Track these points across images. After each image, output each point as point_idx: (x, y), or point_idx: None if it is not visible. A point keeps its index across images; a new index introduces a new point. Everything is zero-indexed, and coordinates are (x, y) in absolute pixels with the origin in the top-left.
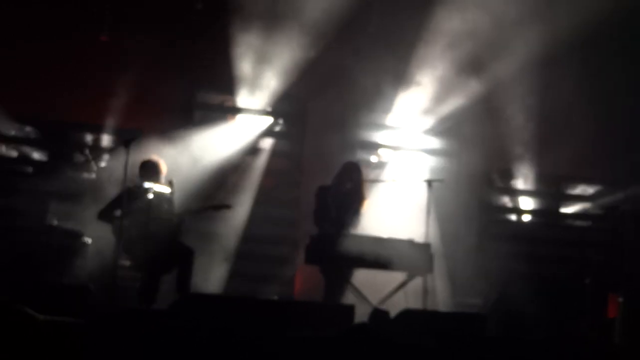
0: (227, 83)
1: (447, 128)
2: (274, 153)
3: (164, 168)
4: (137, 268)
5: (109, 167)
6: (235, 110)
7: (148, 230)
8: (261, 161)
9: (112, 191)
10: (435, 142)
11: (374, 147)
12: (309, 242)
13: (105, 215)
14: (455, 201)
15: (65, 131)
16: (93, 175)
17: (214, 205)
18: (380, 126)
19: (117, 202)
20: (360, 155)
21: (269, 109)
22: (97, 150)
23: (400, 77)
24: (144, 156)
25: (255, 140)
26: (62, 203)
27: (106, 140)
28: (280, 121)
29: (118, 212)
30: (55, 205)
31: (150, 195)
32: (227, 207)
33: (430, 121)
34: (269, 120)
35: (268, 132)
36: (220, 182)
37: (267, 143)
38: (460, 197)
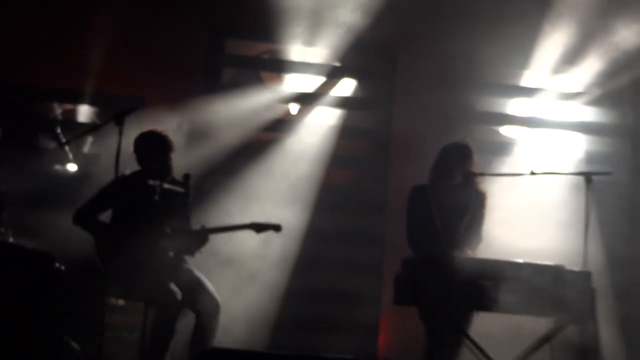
0: (270, 25)
1: (617, 92)
2: (345, 132)
3: (173, 146)
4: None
5: (92, 154)
6: (283, 67)
7: (150, 250)
8: (325, 144)
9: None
10: (597, 115)
11: (498, 121)
12: (401, 271)
13: (84, 217)
14: (630, 205)
15: (28, 101)
16: (69, 167)
17: (256, 224)
18: (510, 90)
19: (103, 199)
20: (478, 135)
21: (337, 64)
22: (74, 128)
23: (542, 15)
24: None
25: (314, 111)
26: (23, 209)
27: (88, 113)
28: (355, 83)
29: (102, 216)
30: (13, 212)
31: (155, 195)
32: (276, 228)
33: (588, 83)
34: (338, 81)
35: (336, 100)
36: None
37: (335, 116)
38: (638, 199)
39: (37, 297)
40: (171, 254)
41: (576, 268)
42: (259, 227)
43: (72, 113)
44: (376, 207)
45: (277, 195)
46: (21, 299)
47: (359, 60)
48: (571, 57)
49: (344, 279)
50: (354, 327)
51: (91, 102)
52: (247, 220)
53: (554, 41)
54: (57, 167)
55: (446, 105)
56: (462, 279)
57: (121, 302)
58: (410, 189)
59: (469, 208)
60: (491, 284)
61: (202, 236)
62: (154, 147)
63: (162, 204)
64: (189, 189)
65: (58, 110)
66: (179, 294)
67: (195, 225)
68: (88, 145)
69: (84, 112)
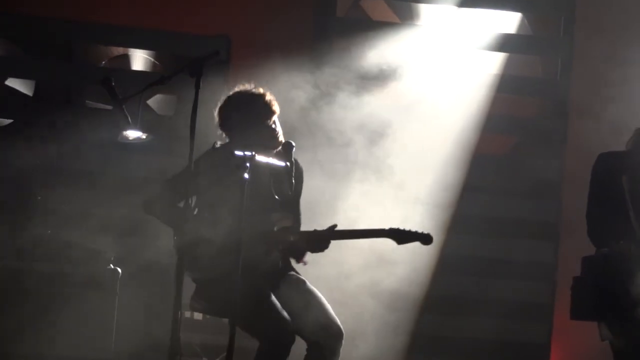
0: None
1: None
2: (509, 84)
3: (275, 106)
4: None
5: (160, 116)
6: None
7: (250, 252)
8: (478, 101)
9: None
10: None
11: None
12: (581, 275)
13: (159, 205)
14: None
15: (66, 39)
16: (129, 134)
17: (399, 231)
18: None
19: (184, 181)
20: None
21: None
22: (133, 81)
23: None
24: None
25: (468, 56)
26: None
27: (147, 61)
28: (521, 18)
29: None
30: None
31: (245, 173)
32: (425, 239)
33: None
34: (497, 14)
35: (496, 41)
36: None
37: (493, 62)
38: None
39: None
40: (278, 258)
41: None
42: (402, 236)
43: (125, 60)
44: (547, 188)
45: (411, 173)
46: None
47: None
48: None
49: (503, 285)
50: (517, 348)
51: (153, 45)
52: (378, 220)
53: None
54: (113, 133)
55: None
56: None
57: (198, 316)
58: (597, 158)
59: None
60: None
61: (323, 239)
62: (250, 113)
63: (257, 185)
64: (293, 164)
65: (108, 55)
66: (289, 322)
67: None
68: (154, 104)
69: (141, 59)
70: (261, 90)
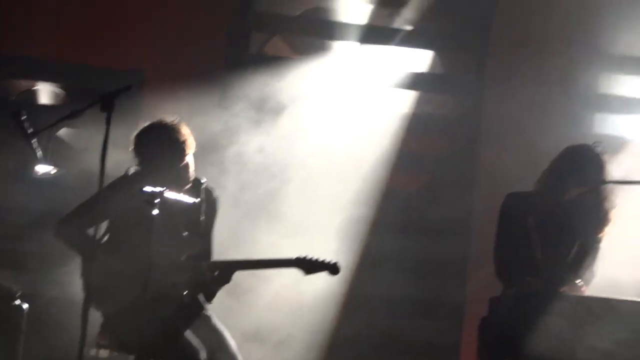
0: None
1: None
2: (418, 121)
3: (190, 144)
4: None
5: (70, 149)
6: (330, 29)
7: (159, 285)
8: (391, 140)
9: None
10: None
11: (630, 108)
12: (489, 315)
13: (69, 230)
14: None
15: None
16: (39, 168)
17: (306, 261)
18: None
19: (95, 207)
20: (606, 131)
21: (407, 27)
22: (42, 114)
23: None
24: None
25: (377, 93)
26: None
27: (59, 94)
28: (433, 56)
29: (92, 231)
30: None
31: (155, 209)
32: (332, 269)
33: None
34: (408, 51)
35: (408, 80)
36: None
37: (403, 100)
38: None
39: None
40: (185, 292)
41: None
42: (309, 266)
43: (34, 93)
44: (458, 225)
45: (324, 212)
46: None
47: (438, 25)
48: None
49: (411, 322)
50: None
51: (65, 78)
52: (287, 251)
53: None
54: (22, 167)
55: (558, 86)
56: (576, 327)
57: (104, 353)
58: (505, 198)
59: (582, 231)
60: (613, 329)
61: (227, 269)
62: (160, 148)
63: (166, 221)
64: (203, 200)
65: (18, 89)
66: (202, 353)
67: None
68: (65, 137)
69: (51, 92)
70: (175, 128)
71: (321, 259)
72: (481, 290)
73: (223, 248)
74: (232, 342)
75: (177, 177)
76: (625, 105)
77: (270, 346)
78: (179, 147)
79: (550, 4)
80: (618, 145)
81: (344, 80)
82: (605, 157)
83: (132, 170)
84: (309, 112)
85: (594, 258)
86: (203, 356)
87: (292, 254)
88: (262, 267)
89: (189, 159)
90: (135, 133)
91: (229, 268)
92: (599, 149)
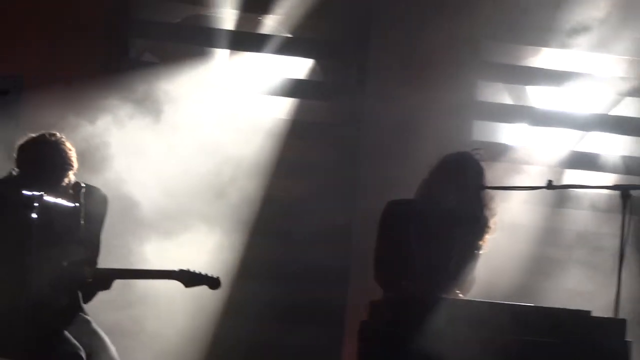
0: None
1: None
2: (300, 129)
3: (72, 157)
4: None
5: None
6: (211, 37)
7: (22, 288)
8: (271, 147)
9: None
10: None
11: (509, 116)
12: (369, 319)
13: None
14: None
15: None
16: None
17: (187, 274)
18: (530, 74)
19: None
20: (486, 138)
21: (288, 35)
22: None
23: None
24: (26, 134)
25: (257, 100)
26: None
27: None
28: (313, 63)
29: None
30: None
31: (33, 213)
32: (213, 283)
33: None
34: (288, 59)
35: (288, 87)
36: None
37: (284, 108)
38: None
39: None
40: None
41: (606, 315)
42: (190, 279)
43: None
44: (339, 232)
45: (204, 214)
46: None
47: (318, 31)
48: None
49: (291, 328)
50: None
51: None
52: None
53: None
54: None
55: (435, 96)
56: (446, 329)
57: None
58: (385, 205)
59: (462, 239)
60: (492, 335)
61: (107, 278)
62: (42, 165)
63: (44, 226)
64: (82, 204)
65: None
66: (82, 352)
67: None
68: None
69: None
70: (59, 143)
71: (203, 272)
72: (363, 296)
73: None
74: (112, 347)
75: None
76: (504, 113)
77: (150, 352)
78: (62, 165)
79: (431, 16)
80: (497, 152)
81: (223, 87)
82: (484, 164)
83: (15, 172)
84: (188, 118)
85: (473, 265)
86: (83, 355)
87: (173, 264)
88: (143, 277)
89: (67, 174)
90: (19, 143)
91: (110, 276)
92: (478, 156)
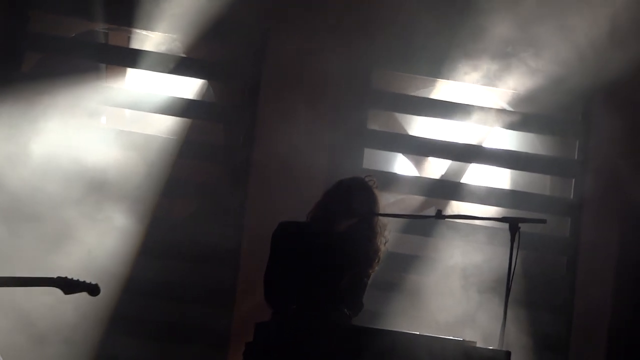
0: None
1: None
2: (190, 149)
3: None
4: None
5: None
6: (104, 52)
7: None
8: (159, 164)
9: None
10: (531, 142)
11: (399, 146)
12: (254, 341)
13: None
14: (570, 262)
15: None
16: None
17: (66, 280)
18: (423, 105)
19: None
20: (376, 165)
21: (182, 55)
22: None
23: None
24: None
25: (148, 118)
26: None
27: None
28: (206, 84)
29: None
30: None
31: None
32: (92, 290)
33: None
34: (181, 79)
35: (179, 106)
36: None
37: (176, 127)
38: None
39: None
40: None
41: (491, 346)
42: (69, 286)
43: None
44: (226, 254)
45: (87, 230)
46: None
47: (211, 51)
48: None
49: (176, 349)
50: None
51: None
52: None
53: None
54: None
55: (327, 120)
56: (328, 354)
57: None
58: (277, 226)
59: (352, 265)
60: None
61: None
62: None
63: None
64: None
65: None
66: None
67: None
68: None
69: None
70: None
71: (82, 279)
72: (249, 318)
73: None
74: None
75: None
76: (394, 141)
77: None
78: None
79: (324, 42)
80: (388, 180)
81: (113, 103)
82: (376, 191)
83: None
84: (77, 132)
85: (361, 292)
86: None
87: (53, 272)
88: (18, 284)
89: None
90: None
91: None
92: (369, 182)
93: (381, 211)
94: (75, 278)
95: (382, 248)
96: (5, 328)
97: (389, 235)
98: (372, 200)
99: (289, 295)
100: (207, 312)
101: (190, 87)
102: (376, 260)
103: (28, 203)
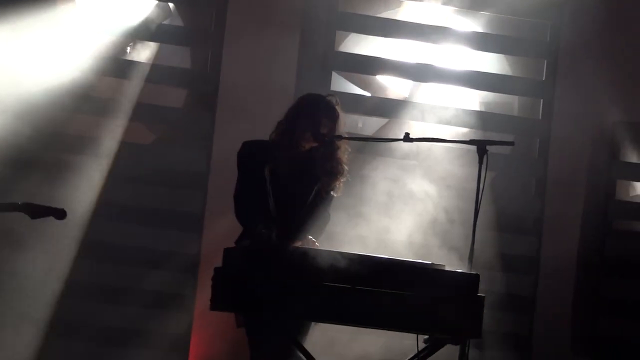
0: None
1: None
2: (157, 73)
3: None
4: None
5: None
6: None
7: None
8: (126, 90)
9: None
10: (499, 64)
11: (367, 68)
12: (222, 266)
13: None
14: (539, 184)
15: None
16: None
17: (32, 205)
18: (389, 27)
19: None
20: (339, 86)
21: None
22: None
23: None
24: None
25: (115, 44)
26: None
27: None
28: (172, 8)
29: None
30: None
31: None
32: (59, 214)
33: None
34: (150, 2)
35: (143, 28)
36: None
37: (143, 52)
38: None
39: None
40: None
41: (460, 269)
42: (35, 211)
43: None
44: (193, 178)
45: (55, 159)
46: None
47: None
48: None
49: (145, 274)
50: (158, 340)
51: None
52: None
53: None
54: None
55: (294, 43)
56: (300, 278)
57: None
58: (241, 145)
59: (316, 184)
60: (340, 286)
61: None
62: None
63: None
64: None
65: None
66: None
67: None
68: None
69: None
70: None
71: (47, 204)
72: (217, 242)
73: None
74: None
75: None
76: (362, 62)
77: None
78: None
79: None
80: (353, 101)
81: (78, 27)
82: (338, 108)
83: None
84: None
85: (328, 204)
86: None
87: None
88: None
89: None
90: None
91: None
92: (332, 100)
93: (342, 128)
94: (40, 203)
95: (345, 159)
96: None
97: (347, 151)
98: (334, 117)
99: (257, 213)
100: (176, 237)
101: (159, 11)
102: (339, 175)
103: None
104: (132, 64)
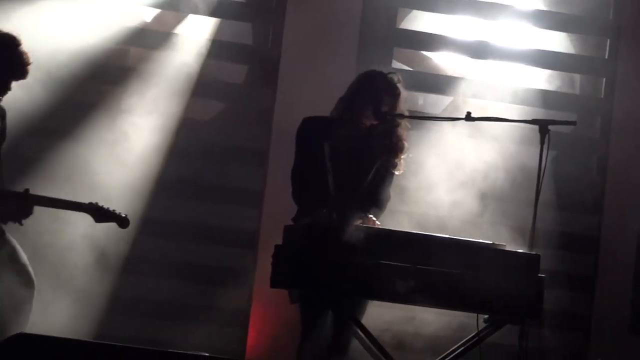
0: None
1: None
2: (216, 49)
3: None
4: None
5: None
6: None
7: None
8: (188, 67)
9: None
10: (561, 42)
11: (428, 45)
12: (283, 244)
13: None
14: (601, 166)
15: None
16: None
17: (99, 209)
18: (447, 3)
19: None
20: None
21: None
22: None
23: None
24: None
25: (170, 18)
26: None
27: None
28: None
29: None
30: None
31: None
32: (122, 222)
33: None
34: None
35: (207, 6)
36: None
37: (203, 27)
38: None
39: None
40: None
41: (521, 249)
42: (100, 214)
43: None
44: (254, 155)
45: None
46: None
47: None
48: None
49: (204, 251)
50: (217, 315)
51: None
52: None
53: None
54: None
55: (356, 19)
56: (360, 256)
57: None
58: (301, 122)
59: (376, 161)
60: (400, 265)
61: (26, 203)
62: None
63: None
64: None
65: None
66: None
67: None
68: None
69: None
70: None
71: (112, 209)
72: (277, 219)
73: None
74: (24, 255)
75: None
76: (424, 40)
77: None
78: None
79: None
80: (414, 80)
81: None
82: (400, 86)
83: None
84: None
85: (388, 183)
86: None
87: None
88: (55, 205)
89: None
90: None
91: (28, 200)
92: (394, 78)
93: (403, 106)
94: (106, 207)
95: (405, 136)
96: None
97: (409, 126)
98: (396, 95)
99: (314, 196)
100: (235, 213)
101: None
102: (400, 152)
103: None
104: (192, 39)
